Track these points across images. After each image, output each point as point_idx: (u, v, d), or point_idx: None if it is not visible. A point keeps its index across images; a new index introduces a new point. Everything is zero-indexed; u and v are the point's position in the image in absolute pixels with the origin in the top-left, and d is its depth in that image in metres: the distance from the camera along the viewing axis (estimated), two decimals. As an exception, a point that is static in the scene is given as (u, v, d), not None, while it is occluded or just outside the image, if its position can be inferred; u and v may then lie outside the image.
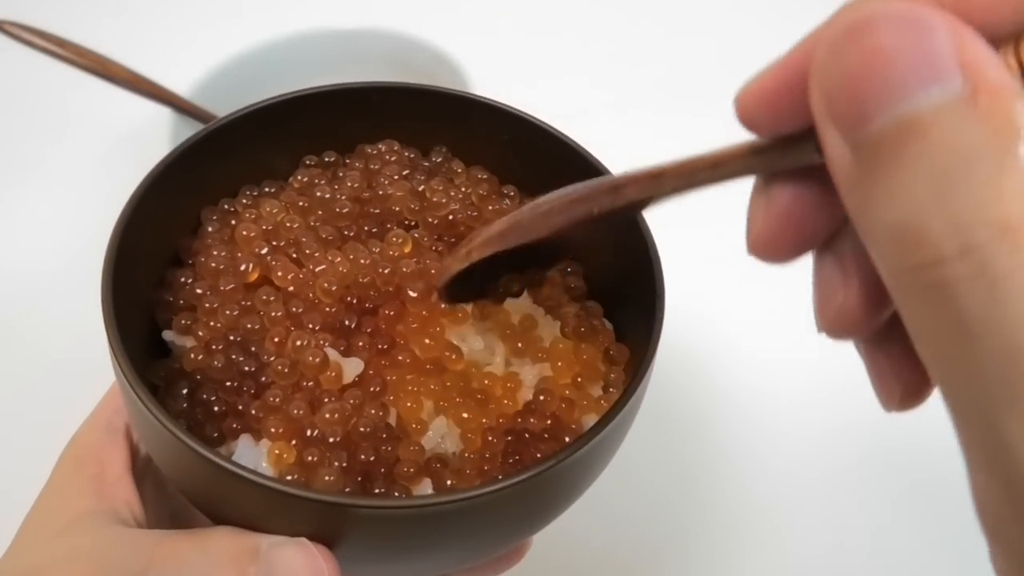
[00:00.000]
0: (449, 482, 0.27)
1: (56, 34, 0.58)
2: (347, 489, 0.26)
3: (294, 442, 0.27)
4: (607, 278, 0.34)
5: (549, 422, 0.28)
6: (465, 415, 0.28)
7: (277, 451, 0.27)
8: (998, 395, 0.13)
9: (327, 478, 0.26)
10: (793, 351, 0.50)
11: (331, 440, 0.27)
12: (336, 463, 0.26)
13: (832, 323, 0.20)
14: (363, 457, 0.27)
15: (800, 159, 0.18)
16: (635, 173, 0.22)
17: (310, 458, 0.26)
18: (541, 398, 0.28)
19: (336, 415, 0.27)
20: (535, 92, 0.75)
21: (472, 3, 0.84)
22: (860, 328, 0.19)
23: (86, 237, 0.65)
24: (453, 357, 0.29)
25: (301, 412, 0.27)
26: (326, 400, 0.28)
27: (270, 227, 0.31)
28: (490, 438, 0.28)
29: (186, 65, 0.62)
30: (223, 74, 0.62)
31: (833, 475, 0.49)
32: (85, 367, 0.56)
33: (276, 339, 0.28)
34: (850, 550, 0.47)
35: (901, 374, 0.20)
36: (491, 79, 0.62)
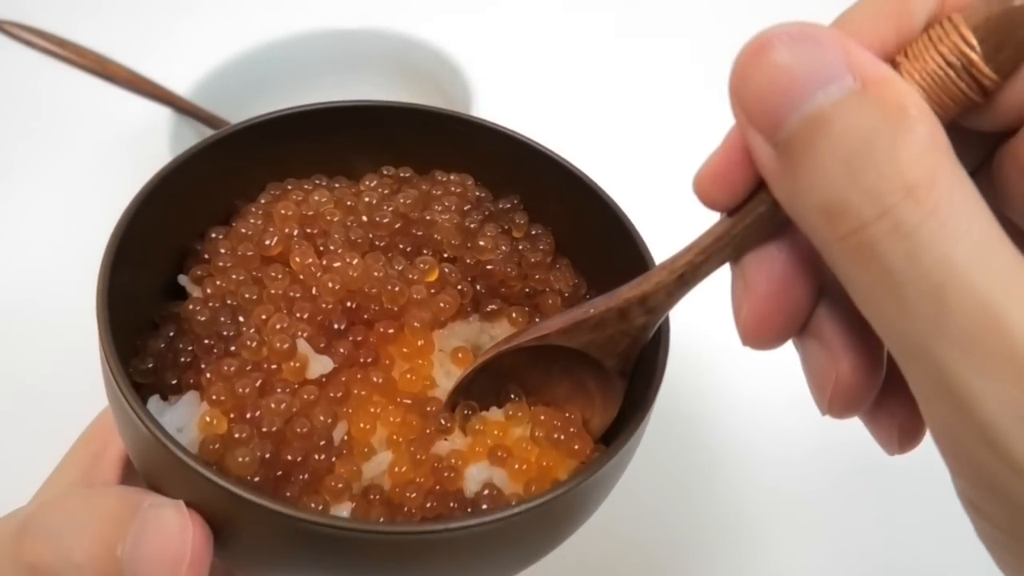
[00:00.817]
0: (373, 515, 0.26)
1: (56, 34, 0.58)
2: (256, 479, 0.26)
3: (232, 415, 0.26)
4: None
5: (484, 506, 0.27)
6: (403, 468, 0.27)
7: (209, 417, 0.26)
8: (928, 328, 0.16)
9: (241, 459, 0.25)
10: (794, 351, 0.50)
11: (264, 428, 0.26)
12: (259, 452, 0.26)
13: (834, 402, 0.22)
14: (288, 457, 0.26)
15: (760, 218, 0.21)
16: (635, 296, 0.26)
17: (237, 435, 0.26)
18: (485, 492, 0.27)
19: (281, 406, 0.26)
20: (535, 92, 0.76)
21: (473, 3, 0.84)
22: (861, 400, 0.22)
23: (86, 236, 0.65)
24: (428, 386, 0.29)
25: (247, 391, 0.27)
26: (279, 389, 0.27)
27: (311, 213, 0.31)
28: (411, 493, 0.27)
29: (186, 65, 0.62)
30: (223, 74, 0.62)
31: (837, 476, 0.49)
32: (85, 365, 0.56)
33: (264, 316, 0.28)
34: (853, 549, 0.47)
35: (900, 424, 0.22)
36: (492, 79, 0.62)
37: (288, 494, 0.26)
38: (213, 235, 0.31)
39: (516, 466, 0.28)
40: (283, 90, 0.65)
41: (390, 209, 0.32)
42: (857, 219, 0.16)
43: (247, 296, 0.29)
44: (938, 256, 0.15)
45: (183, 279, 0.31)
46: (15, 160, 0.72)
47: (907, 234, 0.16)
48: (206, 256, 0.31)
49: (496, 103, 0.59)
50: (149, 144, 0.59)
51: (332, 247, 0.30)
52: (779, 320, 0.22)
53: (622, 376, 0.28)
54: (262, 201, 0.32)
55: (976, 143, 0.19)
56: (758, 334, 0.22)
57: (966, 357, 0.16)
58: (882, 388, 0.22)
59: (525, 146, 0.34)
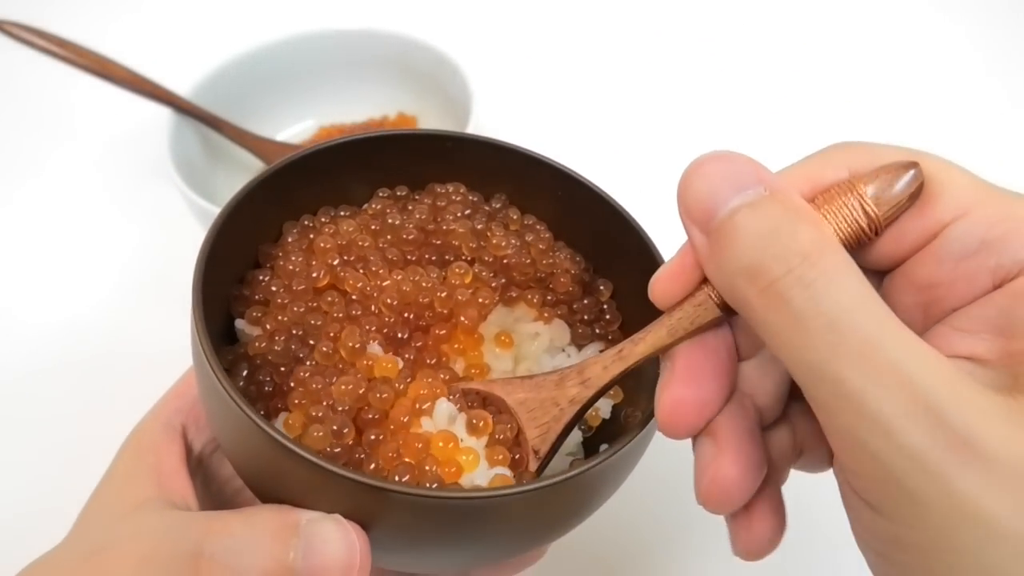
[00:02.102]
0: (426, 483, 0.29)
1: (56, 34, 0.58)
2: (337, 450, 0.29)
3: (312, 412, 0.29)
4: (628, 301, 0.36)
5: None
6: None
7: (291, 420, 0.29)
8: (827, 351, 0.21)
9: (316, 434, 0.28)
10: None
11: (339, 408, 0.29)
12: (334, 426, 0.29)
13: (710, 491, 0.26)
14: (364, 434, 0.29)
15: (694, 309, 0.26)
16: (574, 367, 0.30)
17: (313, 413, 0.29)
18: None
19: (349, 387, 0.30)
20: (535, 92, 0.76)
21: (473, 4, 0.84)
22: (733, 495, 0.26)
23: (86, 236, 0.65)
24: (486, 371, 0.32)
25: (319, 387, 0.30)
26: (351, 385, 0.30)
27: (344, 242, 0.34)
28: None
29: (186, 65, 0.62)
30: (223, 74, 0.62)
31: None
32: (85, 364, 0.56)
33: (332, 334, 0.32)
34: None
35: (760, 533, 0.27)
36: (492, 79, 0.62)
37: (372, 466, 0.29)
38: (260, 278, 0.34)
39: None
40: (283, 90, 0.65)
41: (411, 225, 0.35)
42: (770, 275, 0.22)
43: (312, 323, 0.32)
44: (831, 299, 0.21)
45: (240, 323, 0.33)
46: (15, 160, 0.72)
47: (807, 285, 0.21)
48: (257, 298, 0.33)
49: (496, 103, 0.59)
50: (149, 144, 0.59)
51: (374, 268, 0.34)
52: (692, 408, 0.26)
53: (535, 454, 0.30)
54: (289, 240, 0.35)
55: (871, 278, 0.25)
56: (673, 419, 0.26)
57: (858, 369, 0.20)
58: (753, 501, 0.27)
59: (503, 149, 0.37)
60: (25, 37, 0.57)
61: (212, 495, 0.35)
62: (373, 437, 0.29)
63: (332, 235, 0.35)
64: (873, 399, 0.20)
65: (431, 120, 0.65)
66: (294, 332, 0.32)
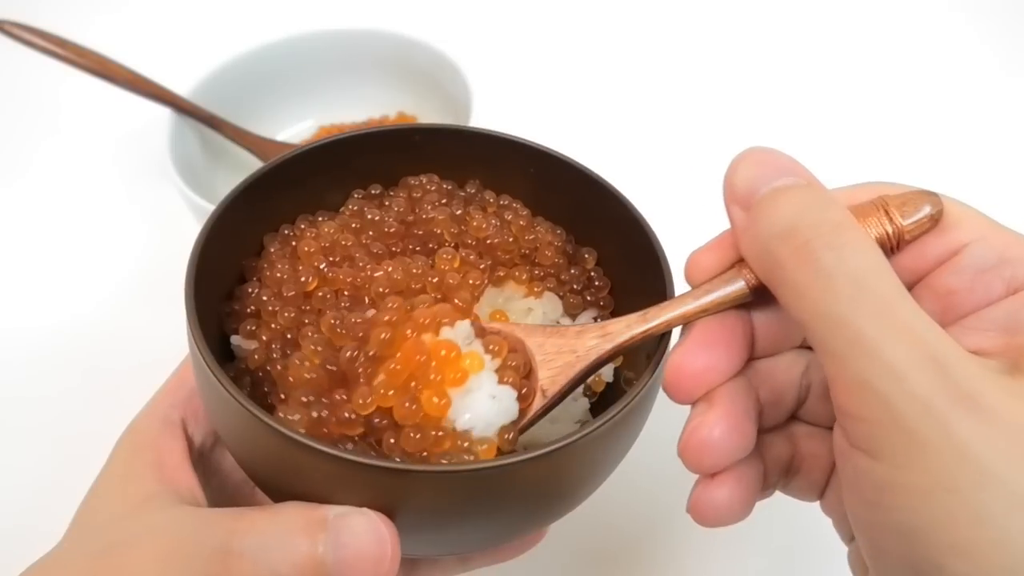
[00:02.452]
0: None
1: (56, 34, 0.58)
2: (331, 367, 0.29)
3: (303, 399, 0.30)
4: (621, 280, 0.37)
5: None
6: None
7: (289, 416, 0.29)
8: (849, 304, 0.23)
9: (299, 362, 0.29)
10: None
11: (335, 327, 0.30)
12: (317, 360, 0.30)
13: (690, 444, 0.27)
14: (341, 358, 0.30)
15: (732, 284, 0.28)
16: (597, 323, 0.30)
17: (304, 400, 0.29)
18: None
19: (340, 319, 0.30)
20: (535, 92, 0.76)
21: (473, 4, 0.84)
22: (715, 454, 0.27)
23: (86, 236, 0.65)
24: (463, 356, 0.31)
25: (315, 375, 0.30)
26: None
27: (327, 244, 0.35)
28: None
29: (186, 65, 0.62)
30: (223, 74, 0.62)
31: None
32: (85, 362, 0.56)
33: (330, 322, 0.31)
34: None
35: (720, 496, 0.29)
36: (491, 79, 0.62)
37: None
38: (249, 291, 0.34)
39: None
40: (283, 90, 0.65)
41: (391, 219, 0.36)
42: (804, 236, 0.24)
43: (306, 322, 0.32)
44: (855, 261, 0.24)
45: (236, 339, 0.33)
46: (15, 160, 0.72)
47: (836, 248, 0.24)
48: (249, 311, 0.33)
49: (496, 103, 0.59)
50: (149, 144, 0.59)
51: (361, 264, 0.34)
52: (699, 371, 0.28)
53: (543, 393, 0.30)
54: (272, 251, 0.35)
55: None
56: (678, 378, 0.28)
57: (875, 322, 0.22)
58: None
59: (471, 135, 0.37)
60: (25, 37, 0.57)
61: (214, 488, 0.35)
62: (372, 352, 0.29)
63: (314, 238, 0.35)
64: (888, 348, 0.22)
65: (430, 120, 0.65)
66: (288, 336, 0.32)
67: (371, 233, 0.36)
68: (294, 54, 0.64)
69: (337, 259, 0.34)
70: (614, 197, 0.35)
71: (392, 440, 0.29)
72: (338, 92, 0.66)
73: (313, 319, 0.32)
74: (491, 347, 0.31)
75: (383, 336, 0.29)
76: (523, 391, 0.30)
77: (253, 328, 0.33)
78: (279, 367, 0.31)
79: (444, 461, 0.28)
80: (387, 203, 0.37)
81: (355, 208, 0.37)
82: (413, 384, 0.29)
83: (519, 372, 0.30)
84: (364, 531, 0.26)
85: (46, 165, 0.71)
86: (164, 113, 0.58)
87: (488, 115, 0.57)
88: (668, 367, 0.28)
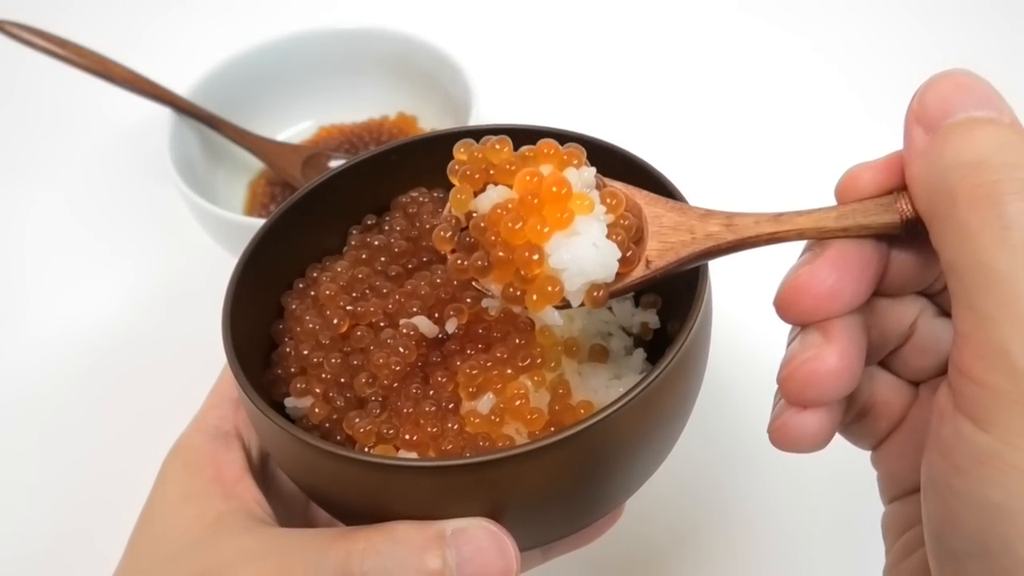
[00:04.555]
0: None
1: (56, 34, 0.58)
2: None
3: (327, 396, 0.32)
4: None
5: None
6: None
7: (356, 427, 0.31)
8: (1016, 264, 0.21)
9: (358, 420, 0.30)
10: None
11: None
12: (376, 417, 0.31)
13: (797, 372, 0.26)
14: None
15: (885, 208, 0.26)
16: (725, 212, 0.28)
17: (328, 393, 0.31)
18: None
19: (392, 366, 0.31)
20: (535, 92, 0.76)
21: (473, 4, 0.84)
22: (826, 387, 0.26)
23: (85, 235, 0.65)
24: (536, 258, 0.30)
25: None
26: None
27: (344, 283, 0.35)
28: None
29: (186, 65, 0.62)
30: (223, 74, 0.62)
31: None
32: (85, 364, 0.56)
33: (380, 360, 0.31)
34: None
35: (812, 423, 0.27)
36: (492, 79, 0.62)
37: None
38: (287, 351, 0.34)
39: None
40: (283, 90, 0.65)
41: (395, 239, 0.36)
42: (994, 174, 0.22)
43: (355, 363, 0.33)
44: None
45: (290, 401, 0.33)
46: (15, 160, 0.72)
47: None
48: (293, 370, 0.33)
49: (496, 103, 0.59)
50: (149, 144, 0.59)
51: (384, 291, 0.34)
52: (823, 291, 0.26)
53: (647, 264, 0.29)
54: (293, 307, 0.35)
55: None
56: (799, 295, 0.26)
57: None
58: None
59: (442, 138, 0.37)
60: (25, 37, 0.57)
61: (272, 500, 0.33)
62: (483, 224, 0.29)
63: (331, 280, 0.35)
64: None
65: (431, 120, 0.65)
66: (342, 381, 0.32)
67: (383, 259, 0.36)
68: (294, 54, 0.64)
69: (359, 294, 0.35)
70: (618, 154, 0.35)
71: (484, 260, 0.29)
72: (338, 92, 0.66)
73: (361, 359, 0.32)
74: (608, 200, 0.29)
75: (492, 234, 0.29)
76: (628, 254, 0.29)
77: (303, 385, 0.33)
78: (347, 428, 0.31)
79: (530, 416, 0.29)
80: (386, 227, 0.37)
81: (356, 242, 0.37)
82: (522, 210, 0.28)
83: (629, 233, 0.29)
84: (487, 542, 0.26)
85: (45, 165, 0.71)
86: (164, 113, 0.58)
87: (488, 115, 0.57)
88: (789, 281, 0.26)
